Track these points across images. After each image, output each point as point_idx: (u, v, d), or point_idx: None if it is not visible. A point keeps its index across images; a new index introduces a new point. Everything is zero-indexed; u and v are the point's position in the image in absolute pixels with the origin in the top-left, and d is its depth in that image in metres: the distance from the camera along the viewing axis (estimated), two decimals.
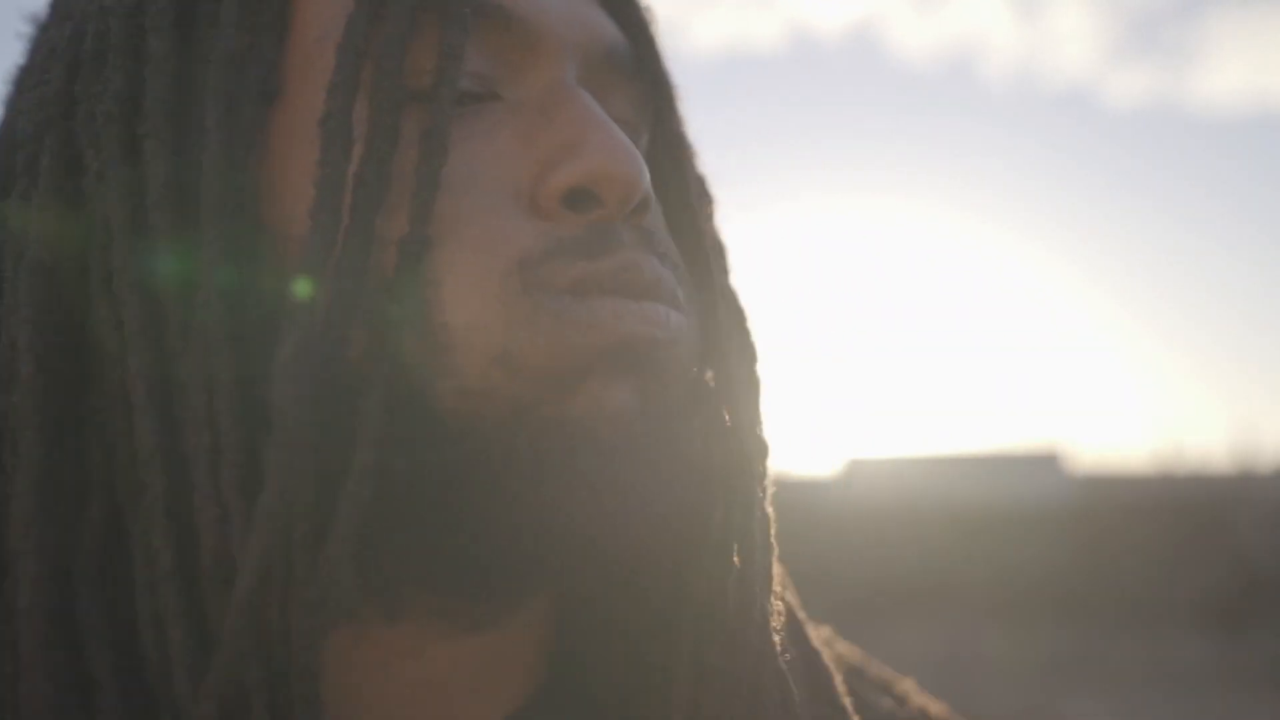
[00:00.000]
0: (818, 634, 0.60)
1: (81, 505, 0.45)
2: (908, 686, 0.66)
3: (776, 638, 0.50)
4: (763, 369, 0.54)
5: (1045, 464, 14.49)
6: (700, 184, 0.56)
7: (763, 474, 0.51)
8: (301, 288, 0.43)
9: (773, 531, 0.52)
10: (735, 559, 0.49)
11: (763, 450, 0.51)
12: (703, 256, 0.53)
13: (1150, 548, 10.47)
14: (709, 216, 0.56)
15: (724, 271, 0.55)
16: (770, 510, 0.52)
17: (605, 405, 0.45)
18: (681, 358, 0.48)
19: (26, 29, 0.53)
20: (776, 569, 0.53)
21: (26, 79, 0.51)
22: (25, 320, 0.45)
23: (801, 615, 0.59)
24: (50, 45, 0.50)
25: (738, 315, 0.54)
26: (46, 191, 0.47)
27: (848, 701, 0.56)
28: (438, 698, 0.50)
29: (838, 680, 0.57)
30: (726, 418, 0.50)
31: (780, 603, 0.53)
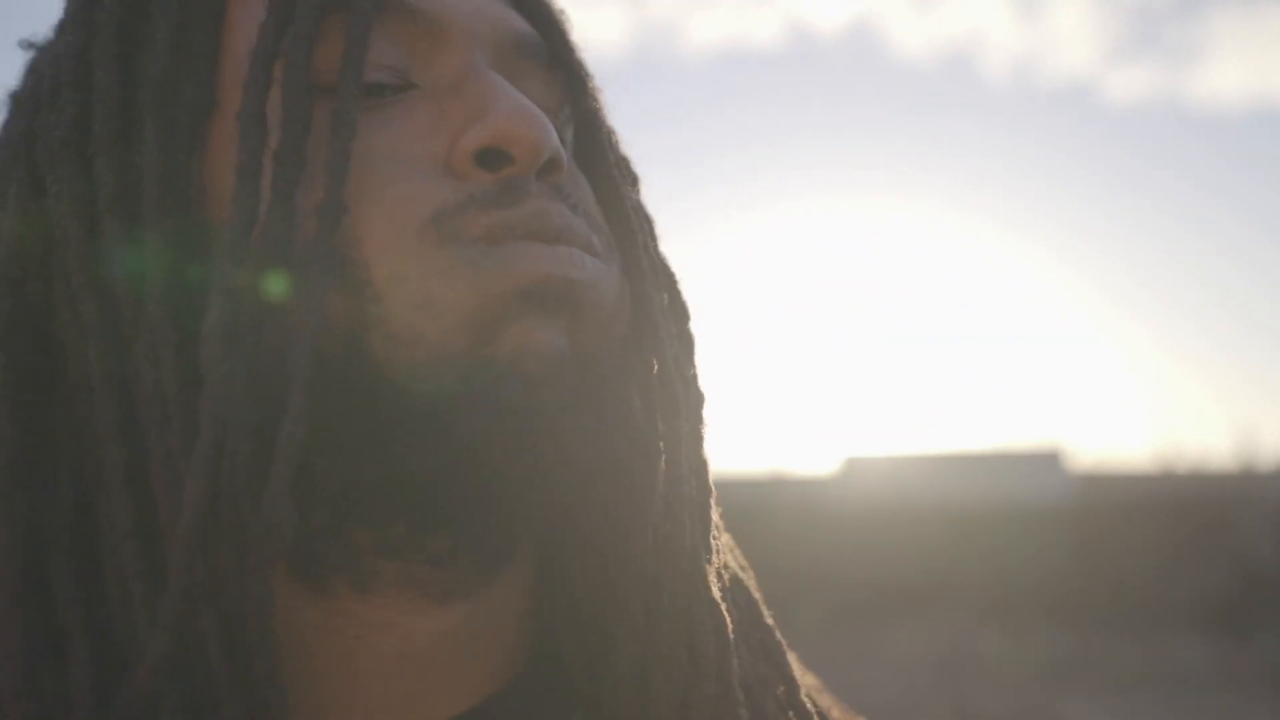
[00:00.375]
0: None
1: (53, 483, 0.51)
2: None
3: (715, 588, 0.54)
4: (695, 326, 0.58)
5: (1046, 462, 14.51)
6: (622, 161, 0.60)
7: (698, 420, 0.55)
8: (228, 259, 0.48)
9: (710, 479, 0.56)
10: (677, 501, 0.53)
11: (699, 399, 0.56)
12: (625, 221, 0.56)
13: (1151, 547, 10.47)
14: (632, 188, 0.60)
15: (650, 236, 0.59)
16: (707, 458, 0.56)
17: (531, 344, 0.49)
18: (604, 303, 0.51)
19: (5, 101, 0.61)
20: (721, 533, 0.59)
21: (1, 137, 0.58)
22: None
23: (758, 595, 0.63)
24: (17, 98, 0.58)
25: (667, 276, 0.59)
26: (14, 215, 0.54)
27: (797, 674, 0.60)
28: (416, 672, 0.53)
29: (790, 655, 0.61)
30: (656, 368, 0.54)
31: (726, 569, 0.58)
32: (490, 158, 0.51)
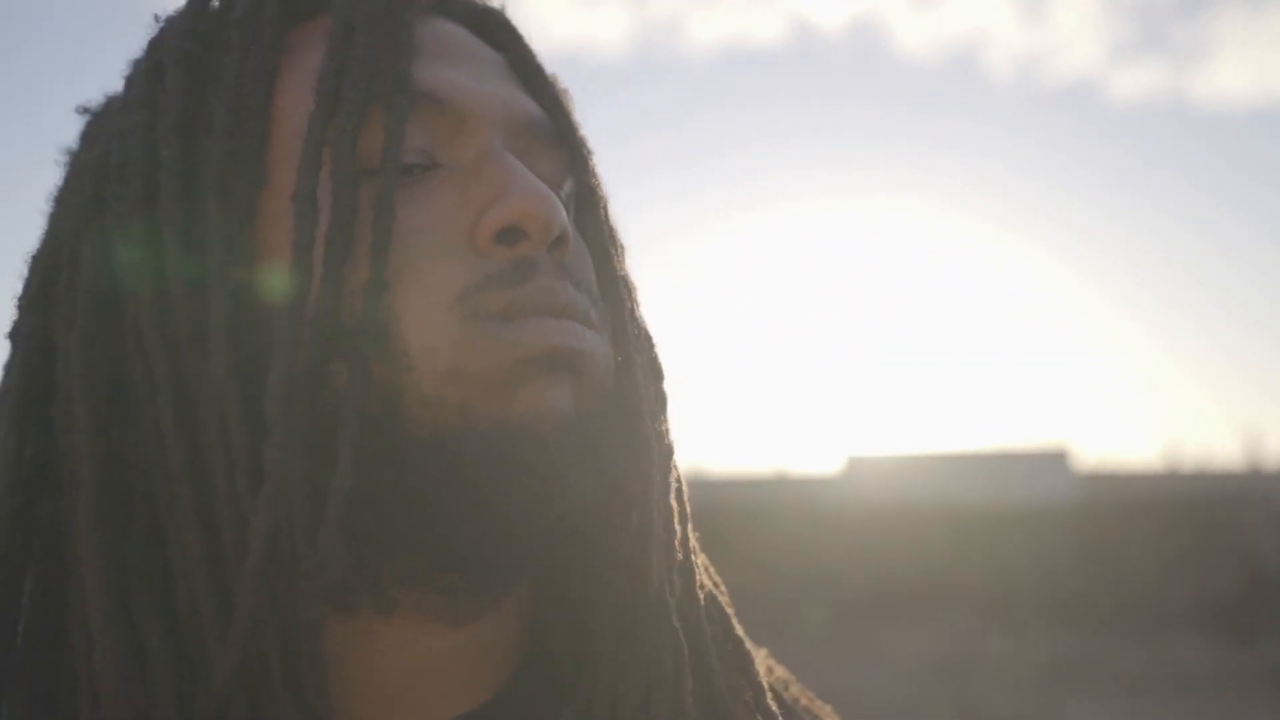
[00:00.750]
0: (755, 649, 0.72)
1: (130, 518, 0.58)
2: (829, 710, 0.80)
3: (675, 616, 0.63)
4: (668, 386, 0.67)
5: (1052, 462, 14.49)
6: (613, 231, 0.68)
7: (667, 470, 0.64)
8: (286, 324, 0.56)
9: (677, 519, 0.65)
10: (646, 542, 0.62)
11: (669, 451, 0.65)
12: (615, 290, 0.65)
13: (1157, 548, 10.46)
14: (621, 258, 0.69)
15: (634, 303, 0.67)
16: (675, 503, 0.65)
17: (542, 407, 0.57)
18: (599, 369, 0.60)
19: (61, 158, 0.68)
20: (702, 561, 0.69)
21: (64, 195, 0.66)
22: (77, 379, 0.59)
23: (731, 610, 0.72)
24: (82, 165, 0.64)
25: (646, 340, 0.67)
26: (88, 277, 0.60)
27: (766, 682, 0.69)
28: (431, 681, 0.62)
29: (760, 665, 0.70)
30: (635, 424, 0.63)
31: (702, 588, 0.67)
32: (508, 234, 0.59)
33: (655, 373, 0.67)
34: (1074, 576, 10.38)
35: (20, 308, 0.65)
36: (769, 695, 0.68)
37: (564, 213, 0.60)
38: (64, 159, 0.68)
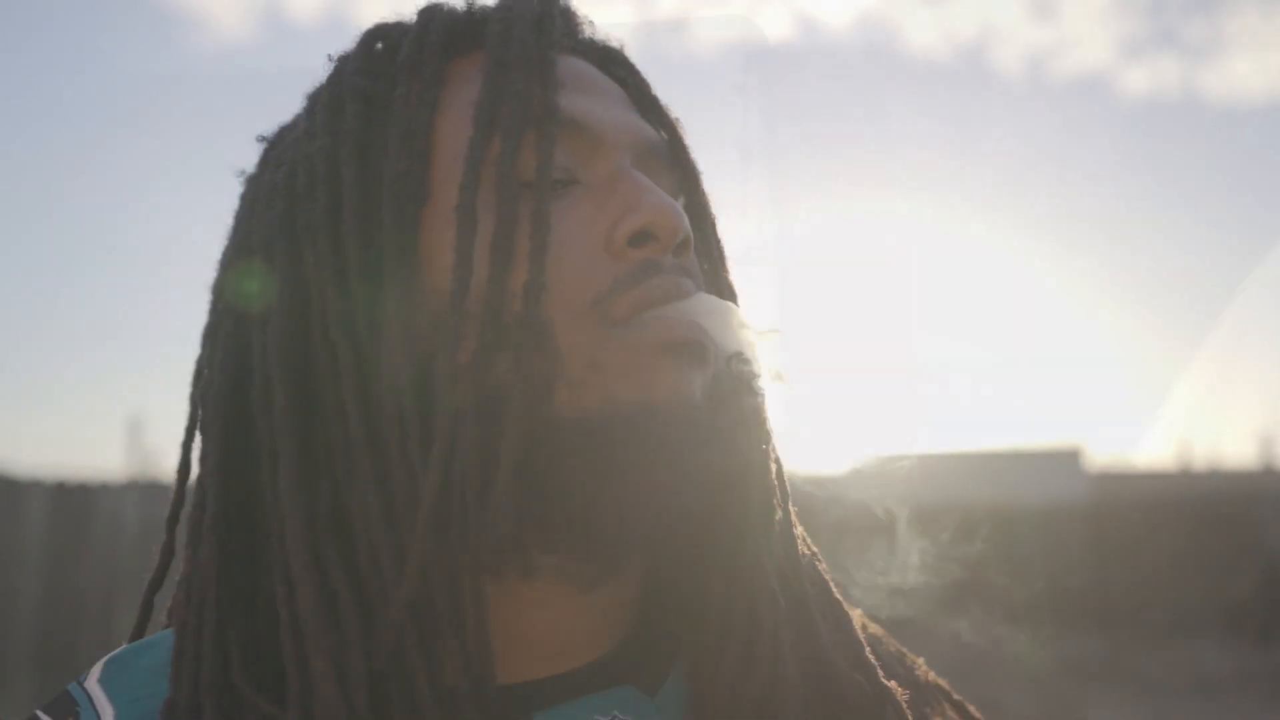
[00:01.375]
0: (852, 610, 0.81)
1: (317, 485, 0.69)
2: (921, 662, 0.90)
3: (773, 578, 0.73)
4: (764, 381, 0.74)
5: (1065, 461, 14.43)
6: (720, 243, 0.81)
7: (769, 449, 0.74)
8: (452, 317, 0.67)
9: (778, 494, 0.77)
10: (748, 513, 0.72)
11: (769, 433, 0.73)
12: (723, 294, 0.79)
13: (1173, 548, 10.39)
14: (725, 266, 0.81)
15: (738, 306, 0.76)
16: (776, 480, 0.77)
17: (677, 390, 0.67)
18: (717, 359, 0.70)
19: (238, 178, 0.80)
20: (800, 532, 0.80)
21: (252, 211, 0.76)
22: (275, 366, 0.69)
23: (829, 576, 0.80)
24: (269, 185, 0.75)
25: (751, 341, 0.76)
26: (282, 280, 0.71)
27: (863, 638, 0.78)
28: (560, 637, 0.73)
29: (856, 624, 0.79)
30: (747, 408, 0.71)
31: (803, 557, 0.78)
32: (640, 239, 0.70)
33: (756, 370, 0.74)
34: (1089, 577, 10.31)
35: (217, 311, 0.76)
36: (867, 650, 0.77)
37: (687, 221, 0.71)
38: (243, 178, 0.79)
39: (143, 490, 8.97)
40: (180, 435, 0.81)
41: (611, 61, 0.81)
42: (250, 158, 0.81)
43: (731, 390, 0.71)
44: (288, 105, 0.82)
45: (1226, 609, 9.84)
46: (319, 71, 0.78)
